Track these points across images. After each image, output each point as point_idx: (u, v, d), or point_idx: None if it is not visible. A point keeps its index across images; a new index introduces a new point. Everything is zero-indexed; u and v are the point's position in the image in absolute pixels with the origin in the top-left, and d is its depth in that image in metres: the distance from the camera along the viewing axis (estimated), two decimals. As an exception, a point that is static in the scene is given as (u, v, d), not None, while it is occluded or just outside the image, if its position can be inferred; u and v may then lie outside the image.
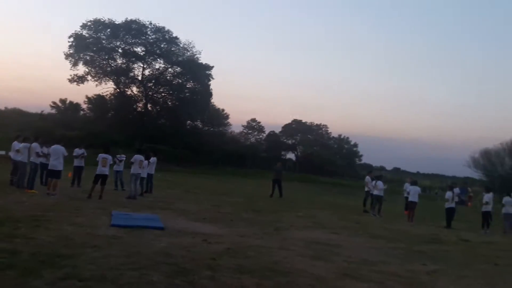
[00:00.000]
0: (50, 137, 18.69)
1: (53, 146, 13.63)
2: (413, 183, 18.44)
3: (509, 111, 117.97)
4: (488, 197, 16.69)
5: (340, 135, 75.60)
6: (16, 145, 14.63)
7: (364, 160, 79.62)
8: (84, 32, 48.19)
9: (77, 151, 16.39)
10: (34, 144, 14.37)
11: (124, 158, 17.37)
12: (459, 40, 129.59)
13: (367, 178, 19.33)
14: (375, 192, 17.62)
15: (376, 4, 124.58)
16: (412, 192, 17.27)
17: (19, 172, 14.23)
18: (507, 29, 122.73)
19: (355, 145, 75.49)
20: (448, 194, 16.87)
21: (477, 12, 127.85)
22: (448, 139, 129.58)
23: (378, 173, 27.68)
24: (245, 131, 73.76)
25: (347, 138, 75.29)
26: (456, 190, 17.49)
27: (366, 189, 18.97)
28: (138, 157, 14.88)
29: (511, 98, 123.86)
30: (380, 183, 17.75)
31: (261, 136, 74.02)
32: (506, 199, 16.69)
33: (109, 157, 14.09)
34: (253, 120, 74.07)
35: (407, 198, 18.01)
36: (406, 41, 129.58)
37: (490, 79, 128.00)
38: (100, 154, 13.85)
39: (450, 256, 9.61)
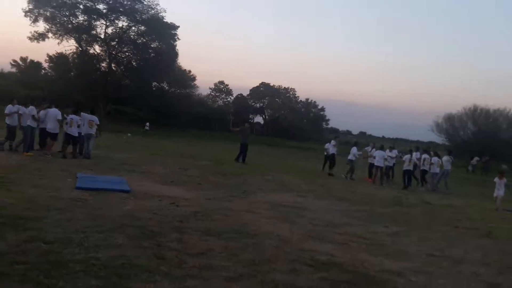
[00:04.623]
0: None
1: (49, 109, 14.13)
2: (379, 148, 18.83)
3: (474, 77, 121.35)
4: (435, 159, 17.65)
5: (307, 99, 75.93)
6: (11, 108, 14.12)
7: (331, 124, 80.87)
8: (44, -14, 45.85)
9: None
10: (31, 108, 14.07)
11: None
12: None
13: (333, 142, 19.78)
14: (349, 157, 18.65)
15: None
16: (378, 156, 17.69)
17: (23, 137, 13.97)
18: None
19: (322, 109, 76.13)
20: (406, 157, 17.86)
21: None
22: (413, 104, 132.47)
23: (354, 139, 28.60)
24: (212, 93, 73.18)
25: (315, 102, 75.72)
26: (416, 154, 18.06)
27: (326, 153, 19.95)
28: (85, 116, 14.92)
29: (477, 65, 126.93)
30: (354, 149, 18.99)
31: (229, 99, 73.67)
32: (434, 159, 17.68)
33: (76, 117, 14.39)
34: (221, 82, 73.53)
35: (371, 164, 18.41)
36: (371, 4, 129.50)
37: (456, 44, 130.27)
38: (69, 115, 14.49)
39: (412, 218, 9.96)
